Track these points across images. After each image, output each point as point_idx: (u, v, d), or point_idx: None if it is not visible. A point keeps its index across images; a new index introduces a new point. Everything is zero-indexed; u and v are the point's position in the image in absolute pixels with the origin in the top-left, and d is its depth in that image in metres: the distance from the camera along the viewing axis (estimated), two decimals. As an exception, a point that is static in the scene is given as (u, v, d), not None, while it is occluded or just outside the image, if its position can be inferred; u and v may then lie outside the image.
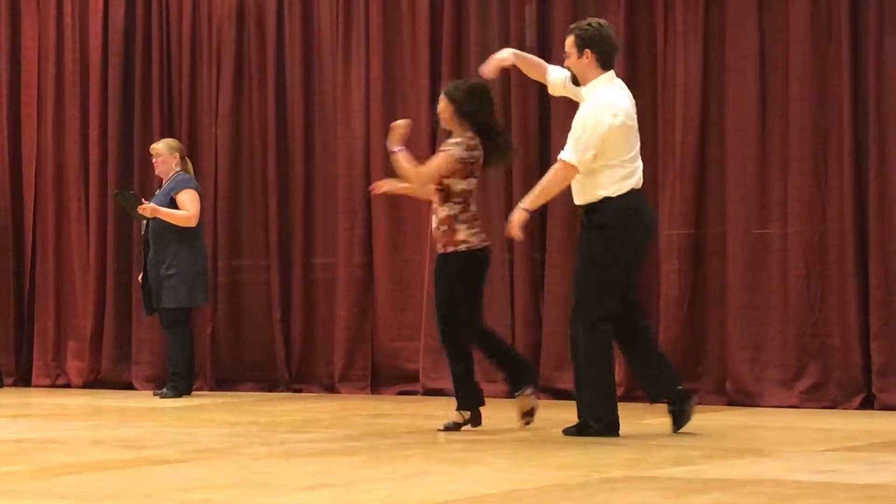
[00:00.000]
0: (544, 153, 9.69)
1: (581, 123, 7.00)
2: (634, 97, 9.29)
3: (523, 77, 9.68)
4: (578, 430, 6.97)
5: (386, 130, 10.19)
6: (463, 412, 7.45)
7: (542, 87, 9.66)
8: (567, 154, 6.97)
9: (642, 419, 7.90)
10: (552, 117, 9.64)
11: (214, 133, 10.74)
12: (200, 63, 10.84)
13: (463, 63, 9.97)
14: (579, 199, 7.11)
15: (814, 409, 8.60)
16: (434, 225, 7.51)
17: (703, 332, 9.16)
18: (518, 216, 7.07)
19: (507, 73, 9.77)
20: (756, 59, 9.03)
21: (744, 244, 9.04)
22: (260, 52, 10.65)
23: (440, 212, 7.43)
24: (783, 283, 8.93)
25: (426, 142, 10.04)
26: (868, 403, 8.64)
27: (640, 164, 7.11)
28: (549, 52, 9.67)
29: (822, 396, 8.77)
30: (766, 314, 8.95)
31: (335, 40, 10.42)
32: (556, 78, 7.42)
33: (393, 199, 10.20)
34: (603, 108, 6.97)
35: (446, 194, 7.40)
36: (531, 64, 7.60)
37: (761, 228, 9.01)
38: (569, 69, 7.22)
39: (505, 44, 9.76)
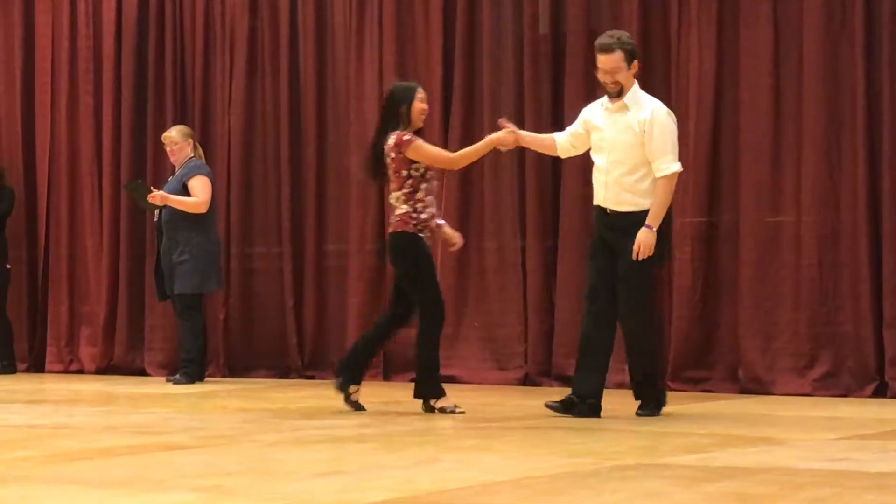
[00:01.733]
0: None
1: (666, 130, 7.29)
2: (648, 86, 9.33)
3: (536, 75, 9.70)
4: (657, 409, 7.36)
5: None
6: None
7: (555, 79, 9.72)
8: (673, 166, 7.24)
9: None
10: (565, 106, 9.63)
11: (227, 120, 10.75)
12: (213, 50, 10.85)
13: (476, 50, 9.97)
14: (633, 206, 7.27)
15: (826, 398, 8.59)
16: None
17: (716, 319, 9.15)
18: (650, 237, 7.17)
19: (519, 70, 9.80)
20: (769, 47, 9.01)
21: (757, 232, 9.02)
22: (273, 39, 10.65)
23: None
24: (796, 272, 8.91)
25: (438, 130, 10.03)
26: (881, 392, 8.63)
27: None
28: (563, 38, 9.67)
29: (835, 385, 8.76)
30: (778, 302, 8.94)
31: (348, 28, 10.42)
32: (563, 143, 7.64)
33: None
34: (668, 112, 7.41)
35: None
36: (537, 143, 7.83)
37: (774, 217, 9.00)
38: (614, 84, 7.32)
39: (518, 30, 9.79)
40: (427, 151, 7.48)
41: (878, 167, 8.73)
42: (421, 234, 7.52)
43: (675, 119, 7.38)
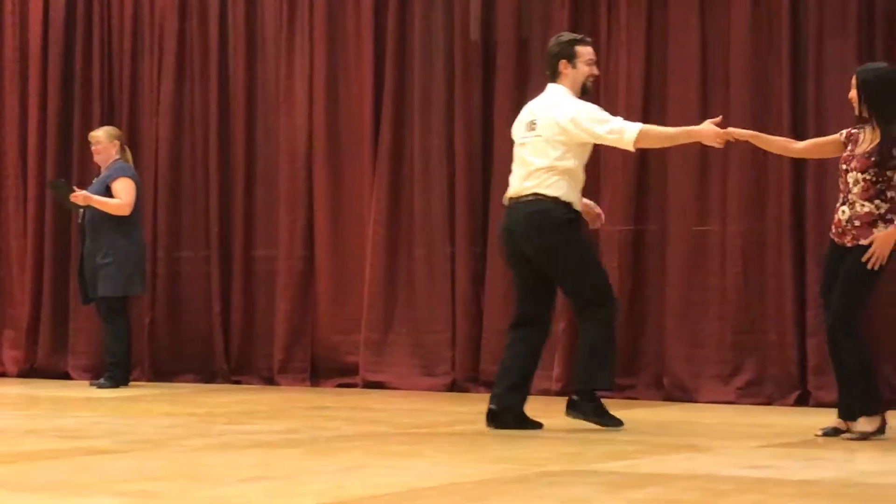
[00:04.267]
0: (487, 147, 9.72)
1: None
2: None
3: (467, 82, 9.73)
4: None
5: (328, 121, 10.21)
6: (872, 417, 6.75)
7: (485, 87, 9.75)
8: None
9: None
10: (496, 113, 9.67)
11: (155, 123, 10.68)
12: (142, 52, 10.78)
13: (407, 57, 9.98)
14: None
15: (750, 406, 8.67)
16: (845, 216, 6.80)
17: (642, 327, 9.21)
18: None
19: (450, 77, 9.81)
20: (697, 59, 9.09)
21: (683, 241, 9.10)
22: (202, 42, 10.59)
23: (862, 206, 6.77)
24: (721, 280, 8.99)
25: (368, 136, 10.03)
26: (803, 400, 8.72)
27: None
28: (494, 46, 9.71)
29: (759, 393, 8.84)
30: (704, 311, 9.02)
31: (279, 31, 10.39)
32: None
33: (335, 193, 10.20)
34: None
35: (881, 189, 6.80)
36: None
37: (701, 226, 9.08)
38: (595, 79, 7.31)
39: (449, 37, 9.82)
40: None
41: (803, 178, 8.84)
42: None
43: None
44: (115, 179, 9.90)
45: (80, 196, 9.77)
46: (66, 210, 10.50)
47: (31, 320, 10.92)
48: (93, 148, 10.11)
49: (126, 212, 9.87)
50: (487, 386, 9.47)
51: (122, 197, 9.87)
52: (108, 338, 9.90)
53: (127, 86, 10.78)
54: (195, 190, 10.61)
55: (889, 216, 6.73)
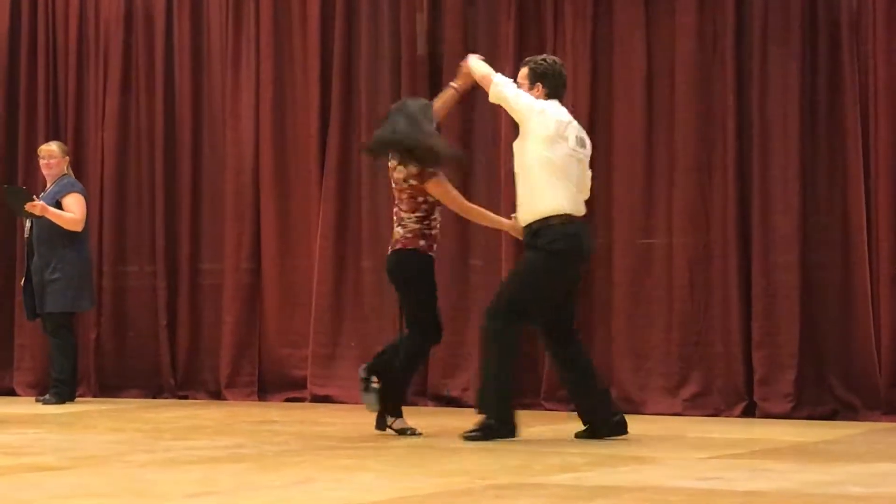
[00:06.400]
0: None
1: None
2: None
3: (413, 86, 9.74)
4: (482, 433, 7.07)
5: (275, 134, 10.19)
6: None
7: (432, 100, 9.73)
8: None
9: (528, 426, 7.94)
10: (442, 125, 9.67)
11: (101, 136, 10.62)
12: (87, 64, 10.72)
13: (354, 69, 9.98)
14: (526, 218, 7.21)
15: (697, 417, 8.71)
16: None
17: (589, 339, 9.20)
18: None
19: (397, 91, 9.80)
20: (643, 70, 9.14)
21: (629, 254, 9.14)
22: (148, 54, 10.55)
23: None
24: (668, 293, 9.04)
25: (315, 152, 10.02)
26: (749, 412, 8.78)
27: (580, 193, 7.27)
28: (441, 59, 9.73)
29: (705, 404, 8.89)
30: (650, 323, 9.06)
31: (224, 44, 10.37)
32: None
33: (282, 205, 10.18)
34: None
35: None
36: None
37: (647, 238, 9.12)
38: None
39: (396, 51, 9.83)
40: None
41: (748, 190, 8.90)
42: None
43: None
44: (65, 195, 9.84)
45: (38, 206, 9.67)
46: (10, 223, 10.41)
47: (-26, 336, 10.82)
48: (45, 162, 10.01)
49: (79, 227, 9.81)
50: (435, 399, 9.49)
51: (76, 212, 9.80)
52: (55, 353, 9.82)
53: (72, 98, 10.72)
54: (141, 203, 10.56)
55: None
